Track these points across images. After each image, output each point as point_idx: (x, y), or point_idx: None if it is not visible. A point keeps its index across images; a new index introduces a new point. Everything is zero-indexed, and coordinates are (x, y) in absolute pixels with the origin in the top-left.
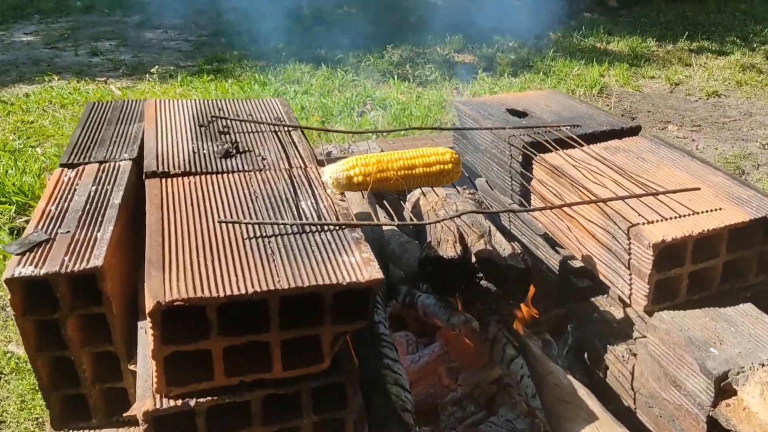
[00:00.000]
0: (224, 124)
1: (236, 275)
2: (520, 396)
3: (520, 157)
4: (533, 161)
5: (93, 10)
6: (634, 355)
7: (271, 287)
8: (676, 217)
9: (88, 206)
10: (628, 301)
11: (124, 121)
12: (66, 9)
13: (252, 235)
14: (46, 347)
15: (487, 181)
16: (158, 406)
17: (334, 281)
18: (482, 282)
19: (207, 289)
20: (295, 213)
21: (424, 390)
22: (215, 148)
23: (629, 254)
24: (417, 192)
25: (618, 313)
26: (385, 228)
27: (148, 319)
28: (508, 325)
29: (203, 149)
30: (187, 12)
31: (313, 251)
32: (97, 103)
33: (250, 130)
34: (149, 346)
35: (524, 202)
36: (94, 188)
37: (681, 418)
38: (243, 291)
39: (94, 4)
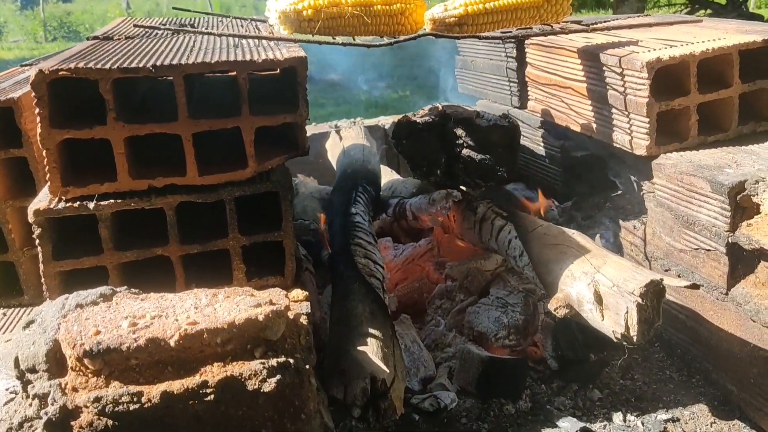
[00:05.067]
0: (190, 20)
1: (140, 60)
2: (514, 275)
3: (515, 51)
4: (525, 48)
5: None
6: (644, 223)
7: (174, 62)
8: (674, 46)
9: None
10: (629, 147)
11: None
12: None
13: (176, 47)
14: None
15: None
16: (52, 206)
17: (248, 59)
18: (463, 151)
19: (100, 64)
20: (234, 41)
21: (408, 285)
22: (170, 27)
23: (624, 91)
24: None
25: (627, 189)
26: (390, 177)
27: (33, 94)
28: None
29: (158, 30)
30: None
31: (236, 52)
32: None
33: (215, 24)
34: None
35: (522, 102)
36: None
37: (700, 265)
38: (140, 65)
39: None
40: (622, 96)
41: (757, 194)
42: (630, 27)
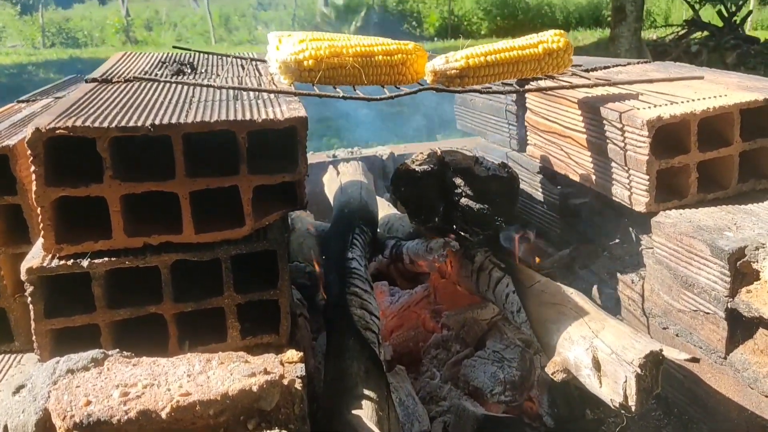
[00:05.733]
0: (190, 57)
1: (138, 116)
2: (510, 325)
3: (515, 94)
4: (526, 92)
5: None
6: (643, 278)
7: (174, 122)
8: (675, 103)
9: (26, 118)
10: (628, 203)
11: None
12: None
13: (175, 100)
14: None
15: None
16: (45, 264)
17: (248, 118)
18: (462, 200)
19: (98, 121)
20: (233, 91)
21: (404, 334)
22: (169, 68)
23: (624, 147)
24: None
25: (625, 239)
26: (387, 212)
27: (29, 152)
28: (496, 252)
29: (157, 71)
30: None
31: (236, 107)
32: (77, 75)
33: (215, 64)
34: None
35: (521, 145)
36: (39, 109)
37: (699, 327)
38: (139, 124)
39: None
40: (622, 151)
41: (757, 261)
42: (631, 83)
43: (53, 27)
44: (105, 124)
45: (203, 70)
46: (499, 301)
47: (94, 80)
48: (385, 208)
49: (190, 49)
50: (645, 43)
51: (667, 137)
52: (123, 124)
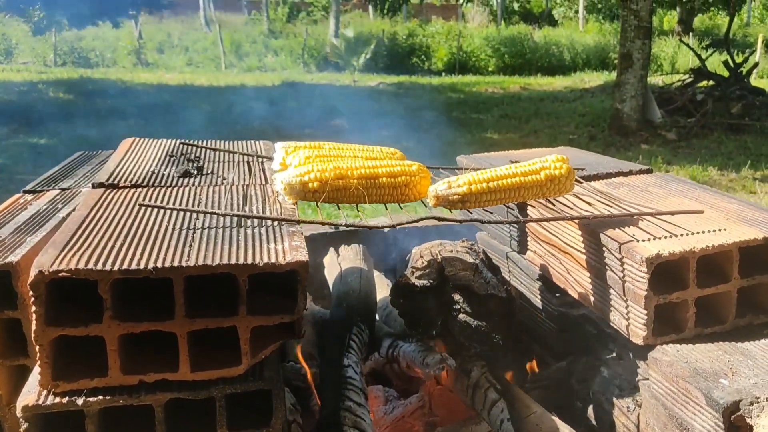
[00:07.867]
0: (196, 154)
1: (141, 255)
2: None
3: None
4: (527, 222)
5: None
6: (639, 405)
7: (175, 264)
8: (675, 236)
9: (31, 219)
10: (626, 333)
11: (105, 161)
12: None
13: (179, 226)
14: None
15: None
16: (40, 401)
17: (249, 262)
18: (460, 316)
19: (101, 263)
20: (238, 221)
21: None
22: (176, 170)
23: (623, 277)
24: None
25: (623, 360)
26: (387, 293)
27: (30, 293)
28: (492, 368)
29: (164, 171)
30: None
31: (238, 240)
32: (84, 152)
33: (222, 160)
34: (32, 329)
35: (521, 247)
36: (45, 207)
37: None
38: (141, 266)
39: None
40: (621, 281)
41: (751, 417)
42: (632, 216)
43: (65, 46)
44: (107, 267)
45: (209, 171)
46: (494, 426)
47: (101, 185)
48: (384, 288)
49: (197, 145)
50: (650, 89)
51: (666, 269)
52: (125, 266)
